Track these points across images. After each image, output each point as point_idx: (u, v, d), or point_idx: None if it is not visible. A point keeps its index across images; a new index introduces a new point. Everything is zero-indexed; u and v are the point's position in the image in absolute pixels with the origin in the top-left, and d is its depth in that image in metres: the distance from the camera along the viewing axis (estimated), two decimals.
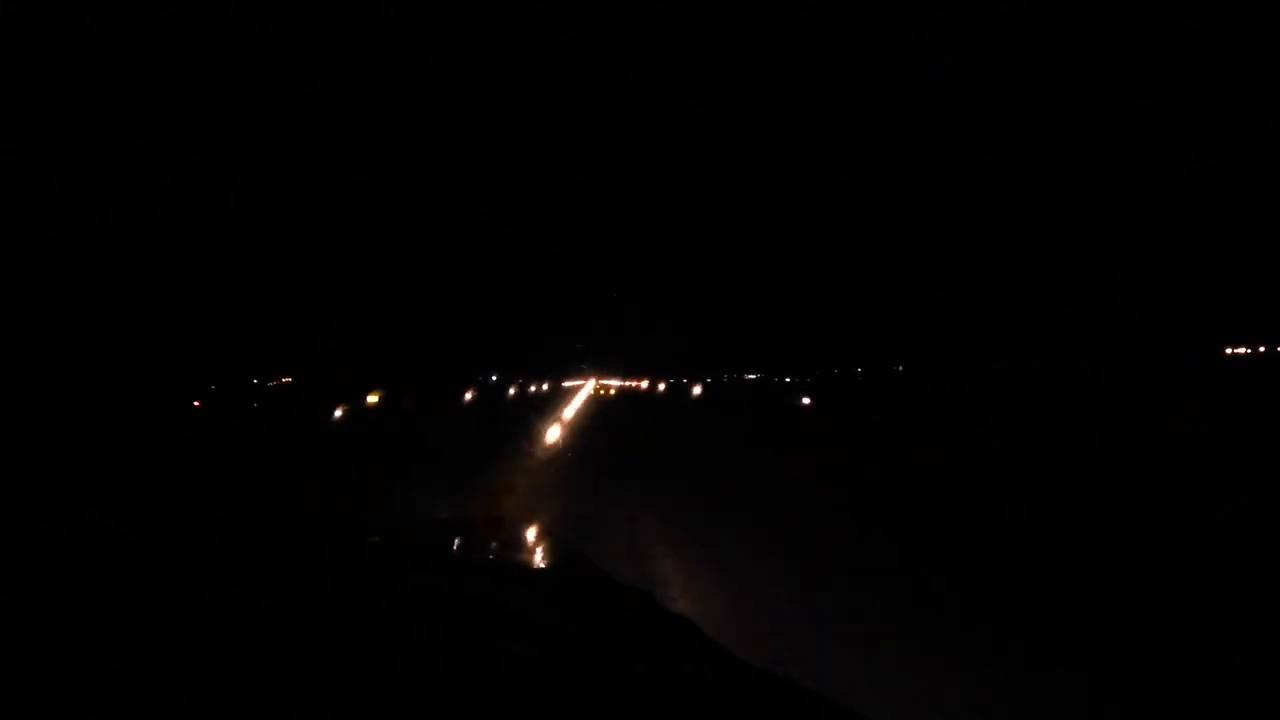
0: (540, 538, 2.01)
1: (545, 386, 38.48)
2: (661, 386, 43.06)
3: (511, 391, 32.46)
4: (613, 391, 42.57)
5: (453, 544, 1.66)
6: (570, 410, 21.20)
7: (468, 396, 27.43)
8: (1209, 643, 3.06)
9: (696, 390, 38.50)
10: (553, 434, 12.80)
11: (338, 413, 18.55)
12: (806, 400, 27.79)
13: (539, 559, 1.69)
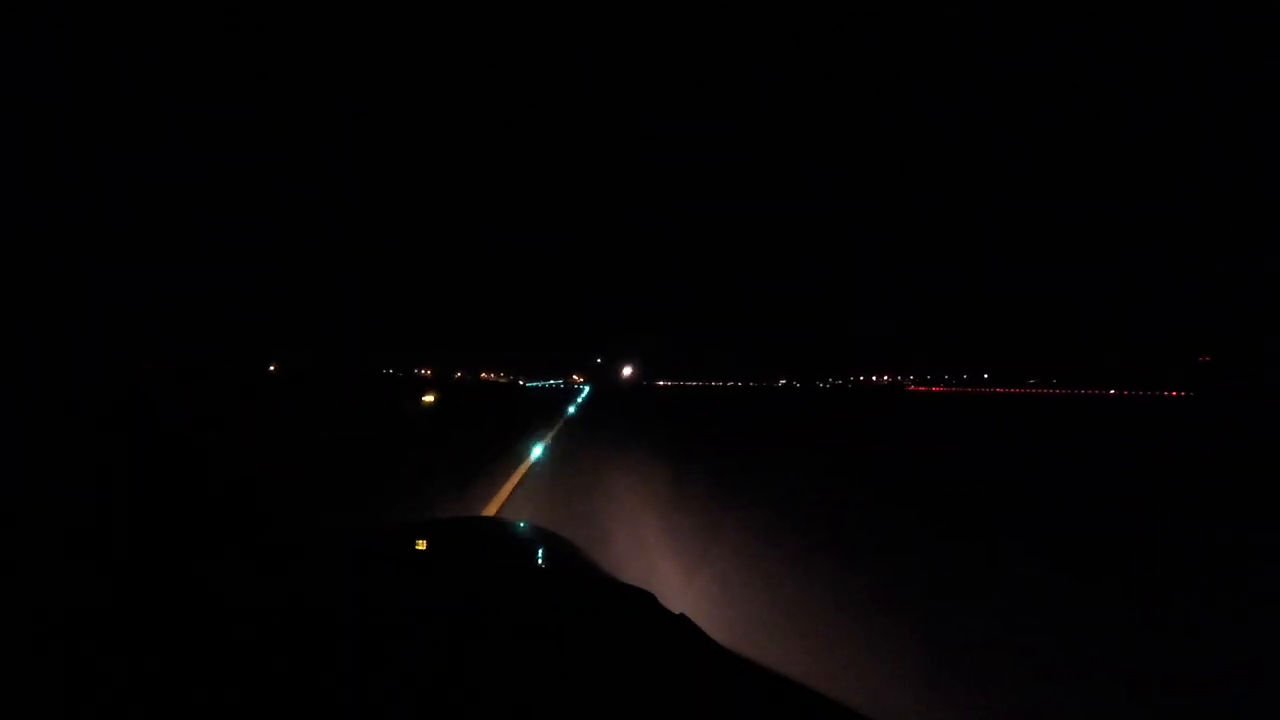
0: (541, 538, 2.01)
1: None
2: None
3: None
4: None
5: (455, 543, 1.66)
6: None
7: None
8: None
9: None
10: None
11: None
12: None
13: (539, 559, 1.69)
